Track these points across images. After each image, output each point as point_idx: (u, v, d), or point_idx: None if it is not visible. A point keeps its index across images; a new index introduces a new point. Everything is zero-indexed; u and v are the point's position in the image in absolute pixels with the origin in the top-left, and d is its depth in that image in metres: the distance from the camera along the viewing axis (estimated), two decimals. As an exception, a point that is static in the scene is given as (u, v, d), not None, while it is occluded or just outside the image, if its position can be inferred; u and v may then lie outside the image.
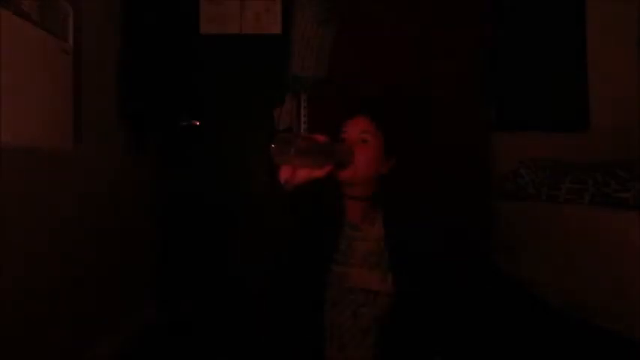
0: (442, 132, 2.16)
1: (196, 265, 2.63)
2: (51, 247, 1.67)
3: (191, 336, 2.31)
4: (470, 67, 2.28)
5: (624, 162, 1.89)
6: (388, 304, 1.12)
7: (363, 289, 1.13)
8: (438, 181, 2.07)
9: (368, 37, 2.23)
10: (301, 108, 2.25)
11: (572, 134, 2.51)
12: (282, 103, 2.35)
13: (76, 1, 1.87)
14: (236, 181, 2.74)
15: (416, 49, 2.24)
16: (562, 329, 1.64)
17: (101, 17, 2.11)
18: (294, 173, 0.93)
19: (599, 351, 1.46)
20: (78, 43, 1.87)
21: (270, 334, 1.17)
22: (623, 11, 2.50)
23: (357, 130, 1.14)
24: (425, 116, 2.16)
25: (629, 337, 1.35)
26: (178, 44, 2.57)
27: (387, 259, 1.13)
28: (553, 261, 1.75)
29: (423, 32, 2.25)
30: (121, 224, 2.27)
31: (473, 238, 2.10)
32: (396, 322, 1.11)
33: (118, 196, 2.25)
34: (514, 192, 2.16)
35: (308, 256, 1.07)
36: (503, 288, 1.97)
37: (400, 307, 1.11)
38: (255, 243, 1.05)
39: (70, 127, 1.82)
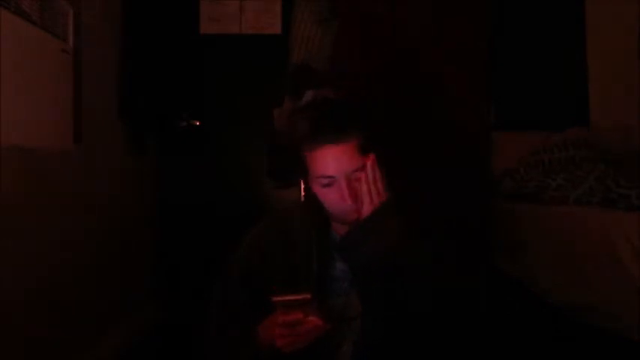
0: (441, 132, 2.16)
1: (196, 265, 2.63)
2: (50, 247, 1.67)
3: (192, 336, 2.30)
4: (470, 67, 2.28)
5: (624, 161, 1.89)
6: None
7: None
8: (436, 181, 2.06)
9: (367, 37, 2.23)
10: (301, 108, 2.25)
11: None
12: (282, 103, 2.35)
13: (76, 1, 1.87)
14: (236, 180, 2.74)
15: (416, 49, 2.24)
16: (562, 329, 1.64)
17: (101, 17, 2.11)
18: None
19: (599, 351, 1.46)
20: (78, 43, 1.87)
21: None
22: (623, 10, 2.50)
23: (343, 171, 0.91)
24: (425, 116, 2.16)
25: (629, 337, 1.35)
26: (178, 44, 2.57)
27: None
28: (553, 261, 1.74)
29: (423, 32, 2.25)
30: (120, 224, 2.27)
31: (472, 238, 2.10)
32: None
33: (118, 196, 2.25)
34: (514, 192, 2.16)
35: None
36: (503, 288, 1.97)
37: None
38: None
39: (70, 127, 1.82)
